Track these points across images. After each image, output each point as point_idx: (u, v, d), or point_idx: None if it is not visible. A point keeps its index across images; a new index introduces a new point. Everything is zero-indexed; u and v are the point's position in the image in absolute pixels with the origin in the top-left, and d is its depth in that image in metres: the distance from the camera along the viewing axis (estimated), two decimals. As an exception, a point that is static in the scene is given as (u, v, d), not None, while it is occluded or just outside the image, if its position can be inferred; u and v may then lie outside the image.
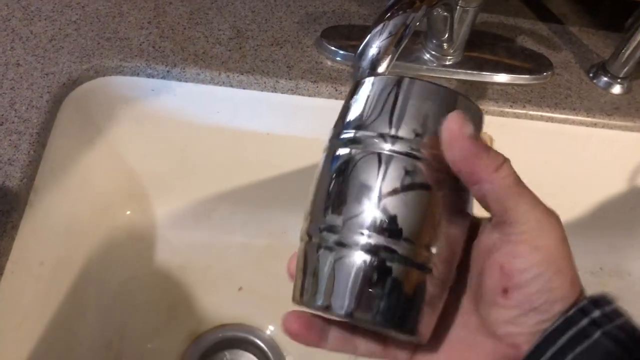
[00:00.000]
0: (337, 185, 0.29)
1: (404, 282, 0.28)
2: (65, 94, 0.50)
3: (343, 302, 0.27)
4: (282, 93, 0.54)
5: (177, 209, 0.64)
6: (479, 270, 0.29)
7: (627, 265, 0.72)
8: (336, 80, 0.54)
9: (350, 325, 0.32)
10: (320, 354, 0.52)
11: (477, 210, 0.30)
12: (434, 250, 0.28)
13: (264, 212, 0.63)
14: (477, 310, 0.30)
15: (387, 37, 0.37)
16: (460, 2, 0.51)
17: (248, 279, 0.64)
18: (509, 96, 0.57)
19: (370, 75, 0.34)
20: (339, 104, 0.31)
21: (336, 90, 0.54)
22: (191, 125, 0.57)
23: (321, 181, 0.30)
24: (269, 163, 0.61)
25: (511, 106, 0.56)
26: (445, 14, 0.48)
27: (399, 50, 0.37)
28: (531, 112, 0.57)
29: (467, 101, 0.29)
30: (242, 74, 0.53)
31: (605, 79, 0.60)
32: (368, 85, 0.30)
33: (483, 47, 0.60)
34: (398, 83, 0.29)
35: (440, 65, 0.57)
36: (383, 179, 0.28)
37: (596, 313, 0.26)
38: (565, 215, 0.70)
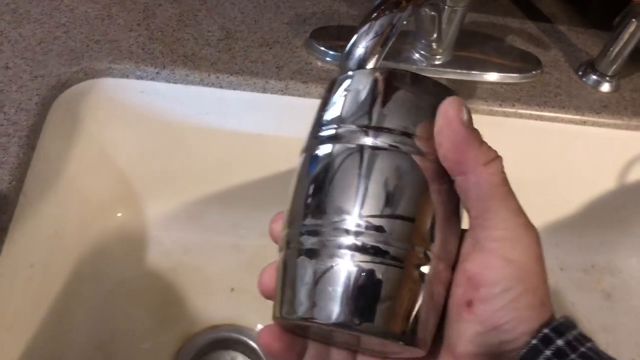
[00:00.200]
0: (318, 184, 0.26)
1: (400, 286, 0.25)
2: (55, 96, 0.50)
3: (330, 310, 0.25)
4: (272, 94, 0.54)
5: (168, 210, 0.64)
6: None
7: (619, 263, 0.72)
8: (326, 80, 0.55)
9: (326, 340, 0.30)
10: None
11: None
12: (429, 249, 0.26)
13: (256, 213, 0.63)
14: (443, 323, 0.28)
15: (373, 37, 0.36)
16: (447, 1, 0.51)
17: (240, 279, 0.64)
18: (498, 95, 0.57)
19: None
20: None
21: (326, 90, 0.54)
22: (181, 126, 0.57)
23: (300, 184, 0.28)
24: (259, 164, 0.61)
25: (500, 105, 0.56)
26: (433, 13, 0.48)
27: (386, 50, 0.37)
28: (520, 111, 0.57)
29: (453, 92, 0.28)
30: (231, 75, 0.53)
31: (594, 77, 0.60)
32: (346, 81, 0.28)
33: (472, 47, 0.60)
34: (378, 75, 0.28)
35: (429, 64, 0.57)
36: (369, 174, 0.25)
37: (560, 342, 0.24)
38: (556, 213, 0.71)
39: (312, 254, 0.26)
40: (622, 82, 0.62)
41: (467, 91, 0.57)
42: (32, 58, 0.51)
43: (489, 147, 0.26)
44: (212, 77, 0.53)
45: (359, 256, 0.25)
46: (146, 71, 0.53)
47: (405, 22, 0.39)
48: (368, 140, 0.26)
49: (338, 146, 0.27)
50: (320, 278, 0.25)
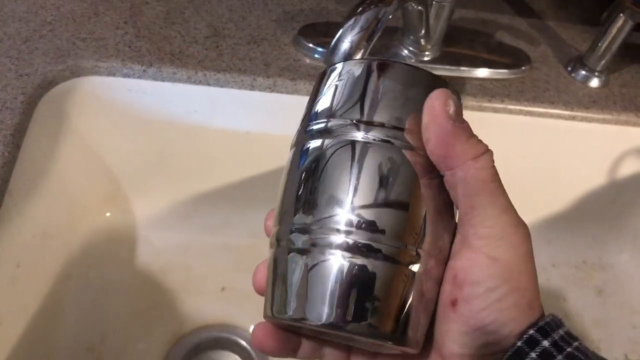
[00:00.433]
0: (308, 180, 0.26)
1: (390, 285, 0.25)
2: (41, 95, 0.50)
3: (321, 310, 0.24)
4: (260, 91, 0.54)
5: (157, 209, 0.64)
6: None
7: (610, 258, 0.73)
8: (314, 77, 0.54)
9: (320, 336, 0.29)
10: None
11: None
12: (420, 247, 0.25)
13: (245, 212, 0.63)
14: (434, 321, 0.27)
15: (358, 32, 0.36)
16: (435, -4, 0.51)
17: (230, 279, 0.63)
18: (488, 91, 0.57)
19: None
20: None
21: (314, 87, 0.54)
22: (169, 124, 0.56)
23: (290, 180, 0.27)
24: (248, 161, 0.60)
25: (490, 100, 0.56)
26: (420, 8, 0.48)
27: (371, 45, 0.37)
28: (510, 107, 0.57)
29: (445, 83, 0.27)
30: (219, 73, 0.53)
31: (583, 72, 0.60)
32: (336, 73, 0.28)
33: (461, 43, 0.60)
34: (369, 66, 0.27)
35: (418, 60, 0.57)
36: (360, 170, 0.25)
37: (545, 343, 0.23)
38: (547, 209, 0.71)
39: (302, 252, 0.25)
40: (611, 77, 0.62)
41: (456, 87, 0.56)
42: (18, 57, 0.51)
43: (478, 141, 0.25)
44: (200, 74, 0.53)
45: (349, 255, 0.24)
46: (133, 69, 0.52)
47: (391, 17, 0.39)
48: (358, 135, 0.26)
49: (328, 141, 0.26)
50: (311, 277, 0.25)
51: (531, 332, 0.24)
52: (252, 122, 0.57)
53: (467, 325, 0.24)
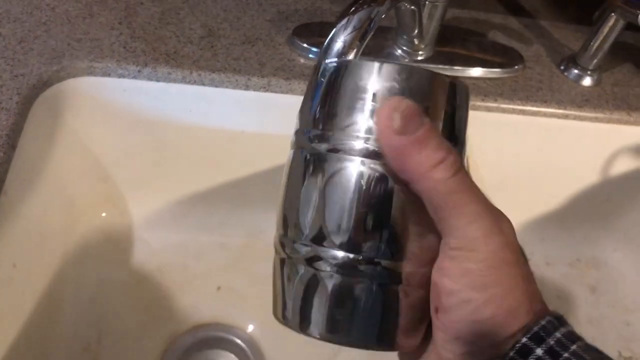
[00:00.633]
0: (310, 192, 0.27)
1: (380, 298, 0.26)
2: (36, 95, 0.50)
3: (318, 322, 0.26)
4: (254, 91, 0.54)
5: (153, 209, 0.64)
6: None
7: (604, 256, 0.73)
8: (309, 77, 0.54)
9: None
10: (300, 350, 0.52)
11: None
12: (405, 258, 0.26)
13: (241, 211, 0.63)
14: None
15: (351, 32, 0.36)
16: (428, -4, 0.51)
17: (226, 278, 0.64)
18: (481, 90, 0.57)
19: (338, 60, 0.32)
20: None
21: (308, 87, 0.54)
22: (164, 124, 0.57)
23: (291, 185, 0.28)
24: (243, 161, 0.61)
25: (483, 100, 0.57)
26: (413, 7, 0.48)
27: (364, 44, 0.37)
28: (503, 106, 0.57)
29: (442, 79, 0.27)
30: (214, 73, 0.53)
31: (576, 71, 0.61)
32: (339, 72, 0.28)
33: (454, 42, 0.61)
34: (369, 67, 0.27)
35: (411, 60, 0.57)
36: (359, 189, 0.25)
37: (539, 351, 0.23)
38: (540, 208, 0.71)
39: (303, 265, 0.27)
40: (603, 76, 0.62)
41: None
42: (13, 57, 0.51)
43: (436, 148, 0.23)
44: (195, 74, 0.53)
45: (342, 271, 0.26)
46: (128, 69, 0.52)
47: (384, 17, 0.39)
48: (359, 145, 0.26)
49: (330, 153, 0.26)
50: (310, 290, 0.26)
51: (524, 340, 0.23)
52: (247, 122, 0.57)
53: (448, 334, 0.25)
